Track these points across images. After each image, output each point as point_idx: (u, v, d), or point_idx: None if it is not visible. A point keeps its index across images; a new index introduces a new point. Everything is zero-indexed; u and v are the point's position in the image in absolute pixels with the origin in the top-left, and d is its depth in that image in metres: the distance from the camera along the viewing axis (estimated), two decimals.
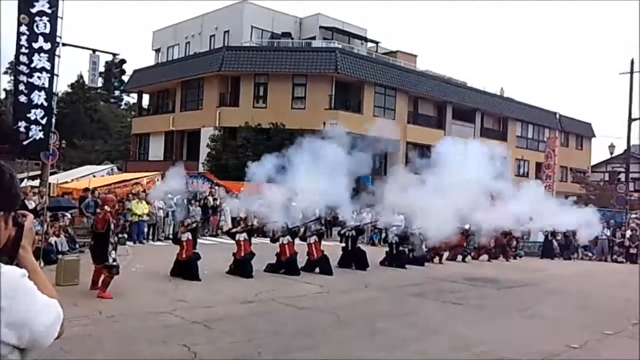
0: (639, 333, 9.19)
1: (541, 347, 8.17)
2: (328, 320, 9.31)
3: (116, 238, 11.03)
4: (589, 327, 9.82)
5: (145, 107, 43.99)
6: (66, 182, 22.41)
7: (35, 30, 12.94)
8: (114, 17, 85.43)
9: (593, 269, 19.11)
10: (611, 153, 41.85)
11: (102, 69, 24.59)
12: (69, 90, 55.35)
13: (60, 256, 12.44)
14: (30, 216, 1.82)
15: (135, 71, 38.48)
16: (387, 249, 18.21)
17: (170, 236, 19.58)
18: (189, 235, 13.19)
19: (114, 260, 10.25)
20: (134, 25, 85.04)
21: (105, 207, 10.52)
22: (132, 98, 48.76)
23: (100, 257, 10.17)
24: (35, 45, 12.99)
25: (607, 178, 44.19)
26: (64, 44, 19.22)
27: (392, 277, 15.04)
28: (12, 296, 1.54)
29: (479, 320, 10.12)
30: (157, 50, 44.86)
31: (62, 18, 13.53)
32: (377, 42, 41.32)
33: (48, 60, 13.18)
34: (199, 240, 14.58)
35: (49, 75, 13.22)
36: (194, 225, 14.06)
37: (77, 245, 15.51)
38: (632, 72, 33.16)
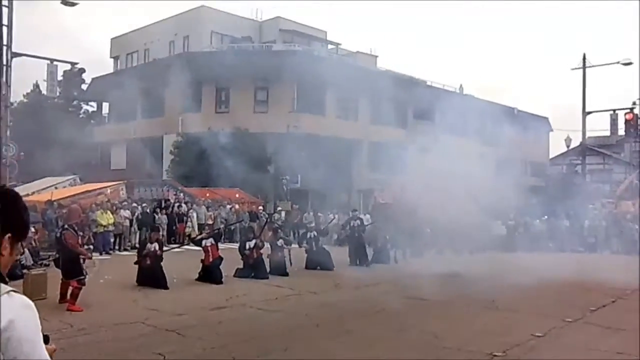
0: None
1: (507, 338, 8.47)
2: (300, 322, 9.46)
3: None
4: (551, 316, 10.20)
5: (106, 115, 43.37)
6: (27, 195, 21.98)
7: None
8: (70, 25, 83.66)
9: (553, 260, 19.65)
10: (568, 146, 43.13)
11: (60, 78, 24.28)
12: (25, 100, 54.06)
13: (25, 271, 12.28)
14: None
15: (94, 79, 37.93)
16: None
17: (137, 245, 19.46)
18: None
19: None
20: (90, 32, 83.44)
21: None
22: (91, 107, 47.93)
23: (73, 272, 10.10)
24: None
25: (565, 170, 45.43)
26: (17, 54, 18.96)
27: (359, 276, 15.25)
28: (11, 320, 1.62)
29: (445, 315, 10.40)
30: (116, 58, 44.29)
31: (7, 26, 13.21)
32: (337, 44, 41.64)
33: None
34: (165, 249, 14.59)
35: None
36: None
37: (40, 260, 15.29)
38: (584, 68, 34.25)
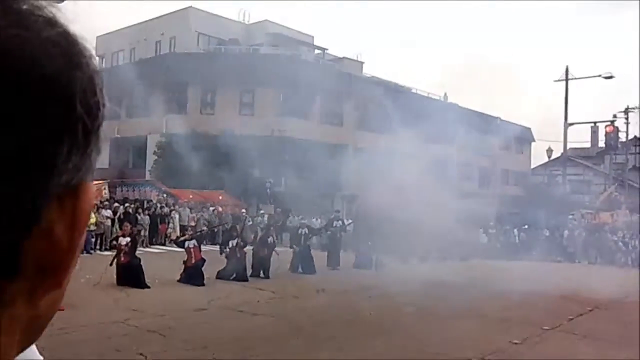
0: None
1: (486, 344, 8.59)
2: (282, 326, 9.48)
3: None
4: (530, 323, 10.36)
5: None
6: None
7: None
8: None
9: (533, 269, 19.88)
10: (549, 156, 43.71)
11: None
12: None
13: None
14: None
15: None
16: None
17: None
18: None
19: None
20: (75, 29, 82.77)
21: None
22: None
23: None
24: None
25: (546, 180, 45.97)
26: None
27: (342, 280, 15.31)
28: None
29: (429, 322, 10.49)
30: (101, 57, 43.98)
31: None
32: (324, 49, 41.76)
33: None
34: (147, 250, 14.62)
35: None
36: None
37: None
38: (567, 79, 34.76)
